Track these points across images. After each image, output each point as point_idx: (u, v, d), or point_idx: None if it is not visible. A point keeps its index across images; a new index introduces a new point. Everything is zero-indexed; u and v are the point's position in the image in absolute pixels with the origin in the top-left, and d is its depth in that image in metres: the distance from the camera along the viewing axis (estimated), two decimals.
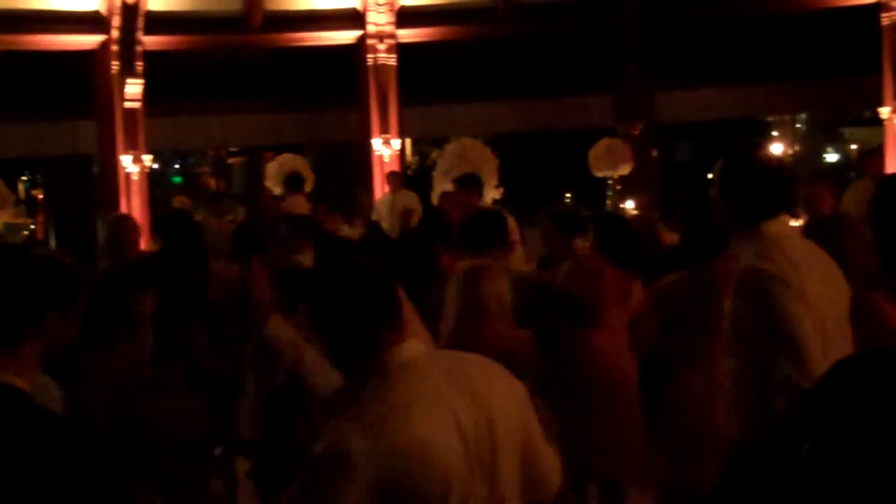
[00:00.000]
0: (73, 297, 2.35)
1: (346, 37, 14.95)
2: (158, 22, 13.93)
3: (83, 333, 4.03)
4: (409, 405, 2.32)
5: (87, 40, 13.94)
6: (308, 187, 11.86)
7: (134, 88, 13.83)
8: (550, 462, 2.57)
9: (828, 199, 7.22)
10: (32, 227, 24.28)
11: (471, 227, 5.10)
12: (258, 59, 15.14)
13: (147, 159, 14.32)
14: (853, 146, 29.50)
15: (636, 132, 14.41)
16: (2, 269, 2.19)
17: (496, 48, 15.25)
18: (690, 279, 4.64)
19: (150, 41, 13.93)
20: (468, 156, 11.11)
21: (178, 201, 11.98)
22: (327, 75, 15.12)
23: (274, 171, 12.62)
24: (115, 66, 13.80)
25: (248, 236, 5.98)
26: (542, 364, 4.36)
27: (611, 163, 13.31)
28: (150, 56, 13.91)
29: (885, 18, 13.73)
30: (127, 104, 13.85)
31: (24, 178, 26.00)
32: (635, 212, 12.54)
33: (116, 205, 13.82)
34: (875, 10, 13.83)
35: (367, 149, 14.97)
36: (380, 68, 14.85)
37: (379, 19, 14.76)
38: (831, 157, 30.16)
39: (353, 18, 14.82)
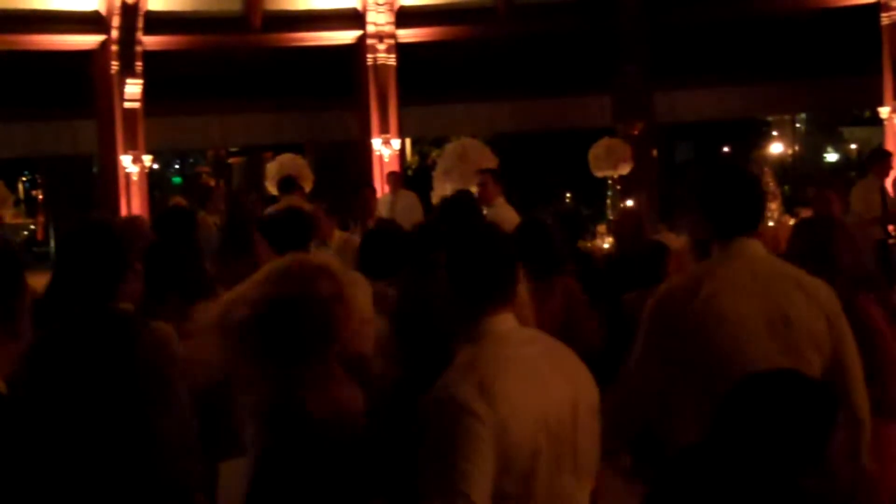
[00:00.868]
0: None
1: (345, 37, 14.95)
2: (158, 22, 13.93)
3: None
4: (511, 372, 2.50)
5: (87, 40, 13.94)
6: (308, 187, 11.84)
7: (134, 88, 13.84)
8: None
9: (836, 203, 7.18)
10: (32, 227, 24.30)
11: None
12: (258, 59, 15.14)
13: (147, 159, 14.32)
14: (853, 146, 29.50)
15: (636, 132, 14.41)
16: None
17: (496, 48, 15.26)
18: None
19: (150, 41, 13.93)
20: (468, 156, 11.09)
21: (175, 201, 11.95)
22: (327, 75, 15.13)
23: (274, 171, 12.59)
24: (114, 65, 13.81)
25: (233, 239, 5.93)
26: None
27: (610, 163, 13.29)
28: (149, 56, 13.91)
29: (885, 18, 13.74)
30: (127, 104, 13.86)
31: (23, 178, 26.01)
32: (632, 206, 12.53)
33: (116, 205, 13.82)
34: (875, 9, 13.83)
35: (367, 149, 14.98)
36: (379, 68, 14.85)
37: (379, 19, 14.77)
38: (831, 156, 30.16)
39: (353, 18, 14.83)
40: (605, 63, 15.00)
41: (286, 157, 12.72)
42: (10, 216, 14.10)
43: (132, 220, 6.68)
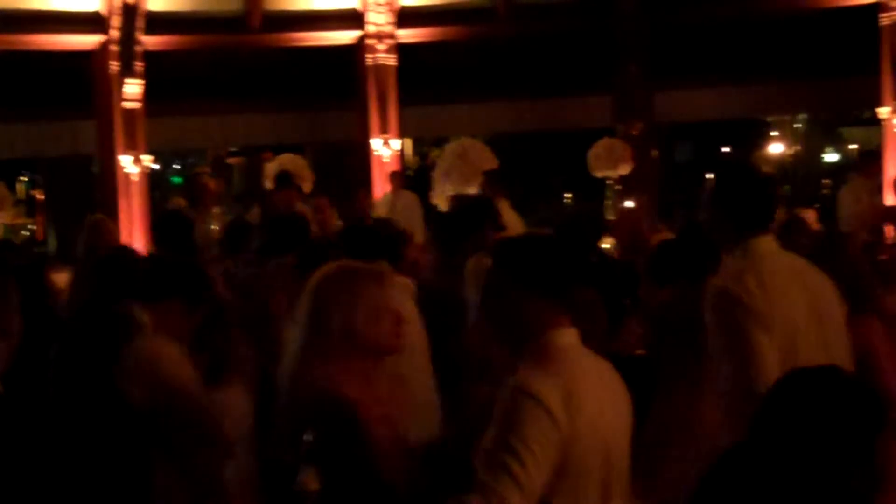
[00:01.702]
0: None
1: (345, 37, 14.95)
2: (158, 22, 13.92)
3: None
4: (580, 386, 2.51)
5: (87, 40, 13.93)
6: (308, 187, 11.84)
7: (133, 88, 13.83)
8: None
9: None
10: (32, 227, 24.27)
11: None
12: (258, 59, 15.14)
13: (147, 160, 14.31)
14: (853, 146, 29.48)
15: (636, 132, 14.40)
16: None
17: (496, 48, 15.25)
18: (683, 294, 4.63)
19: (150, 41, 13.93)
20: (468, 156, 11.09)
21: (175, 202, 11.93)
22: (327, 75, 15.12)
23: (274, 171, 12.60)
24: (114, 66, 13.80)
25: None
26: None
27: (610, 163, 13.30)
28: (149, 56, 13.90)
29: (885, 18, 13.73)
30: (126, 104, 13.85)
31: (23, 178, 25.98)
32: (630, 205, 12.54)
33: (116, 205, 13.82)
34: (875, 10, 13.82)
35: (367, 149, 14.97)
36: (379, 68, 14.84)
37: (378, 19, 14.76)
38: (831, 157, 30.13)
39: (353, 18, 14.82)
40: (605, 63, 15.00)
41: (286, 157, 12.72)
42: (10, 216, 14.09)
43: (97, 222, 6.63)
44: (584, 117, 15.64)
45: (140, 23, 13.75)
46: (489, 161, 10.81)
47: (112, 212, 13.63)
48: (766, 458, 2.30)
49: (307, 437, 2.55)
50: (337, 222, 9.66)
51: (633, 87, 14.91)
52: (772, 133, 28.49)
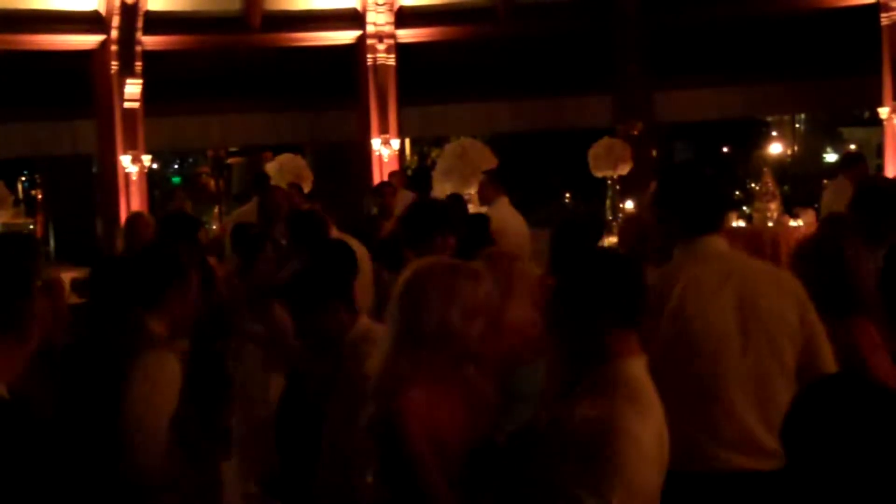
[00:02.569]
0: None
1: (345, 37, 14.94)
2: (158, 22, 13.92)
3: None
4: (658, 419, 2.49)
5: (87, 40, 13.93)
6: (308, 187, 11.84)
7: (133, 88, 13.82)
8: None
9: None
10: (31, 226, 24.25)
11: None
12: (258, 59, 15.13)
13: (146, 159, 14.31)
14: (852, 146, 29.48)
15: (636, 132, 14.39)
16: None
17: (496, 48, 15.24)
18: None
19: (150, 41, 13.92)
20: (468, 156, 11.08)
21: (179, 200, 11.91)
22: (327, 75, 15.12)
23: (274, 171, 12.59)
24: (114, 65, 13.79)
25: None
26: None
27: (610, 163, 13.28)
28: (149, 56, 13.90)
29: (885, 18, 13.72)
30: (126, 104, 13.84)
31: (23, 178, 25.97)
32: (632, 209, 12.53)
33: (116, 205, 13.81)
34: (875, 10, 13.82)
35: (367, 149, 14.97)
36: (379, 68, 14.84)
37: (378, 19, 14.75)
38: (830, 157, 30.11)
39: (353, 18, 14.82)
40: (605, 63, 14.99)
41: (286, 157, 12.71)
42: (9, 216, 14.07)
43: (134, 217, 6.76)
44: (584, 117, 15.63)
45: (140, 23, 13.75)
46: (489, 161, 10.81)
47: (112, 212, 13.65)
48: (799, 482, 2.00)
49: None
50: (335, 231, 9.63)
51: (633, 87, 14.90)
52: (772, 133, 28.50)
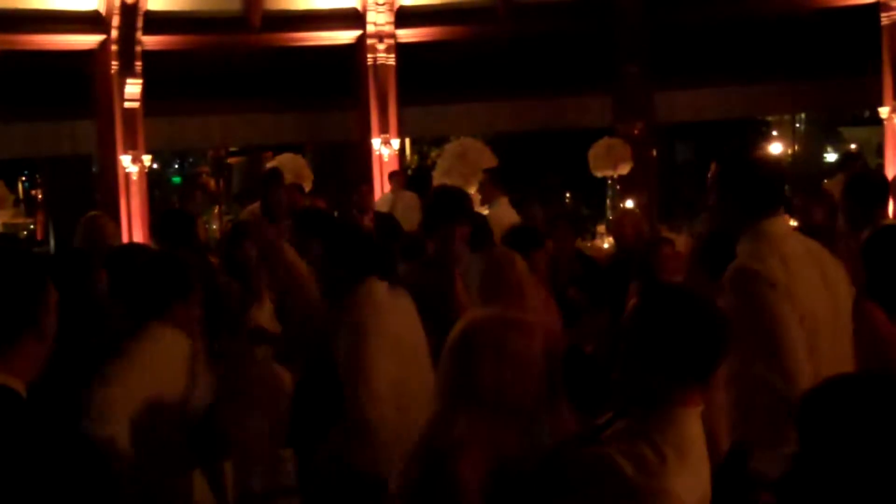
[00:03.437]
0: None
1: (345, 37, 14.94)
2: (158, 22, 13.91)
3: None
4: (704, 477, 2.39)
5: (87, 40, 13.92)
6: (308, 187, 11.84)
7: (133, 88, 13.82)
8: None
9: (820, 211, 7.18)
10: (32, 226, 24.26)
11: None
12: (258, 59, 15.12)
13: (146, 159, 14.31)
14: (853, 146, 29.48)
15: (636, 132, 14.39)
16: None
17: (496, 48, 15.23)
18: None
19: (150, 41, 13.92)
20: (468, 156, 11.09)
21: (195, 197, 11.92)
22: (327, 75, 15.11)
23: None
24: (114, 65, 13.79)
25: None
26: None
27: (610, 163, 13.29)
28: (149, 56, 13.89)
29: (885, 18, 13.72)
30: (126, 104, 13.84)
31: (23, 178, 25.99)
32: (632, 208, 12.53)
33: (116, 205, 13.81)
34: (875, 10, 13.82)
35: (367, 149, 14.97)
36: (379, 68, 14.84)
37: (378, 19, 14.75)
38: (831, 156, 30.11)
39: (353, 18, 14.81)
40: (605, 63, 14.99)
41: (286, 157, 12.71)
42: (9, 216, 14.08)
43: (93, 218, 6.65)
44: (584, 117, 15.62)
45: (139, 22, 13.75)
46: (489, 160, 10.81)
47: (112, 211, 13.63)
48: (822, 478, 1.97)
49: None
50: None
51: (633, 87, 14.89)
52: (772, 133, 28.50)
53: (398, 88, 14.91)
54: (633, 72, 14.79)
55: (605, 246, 11.30)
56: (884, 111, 13.92)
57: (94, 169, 15.89)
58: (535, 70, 15.28)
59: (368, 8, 14.69)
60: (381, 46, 14.79)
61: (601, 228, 12.89)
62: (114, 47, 13.76)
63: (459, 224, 5.01)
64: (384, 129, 14.89)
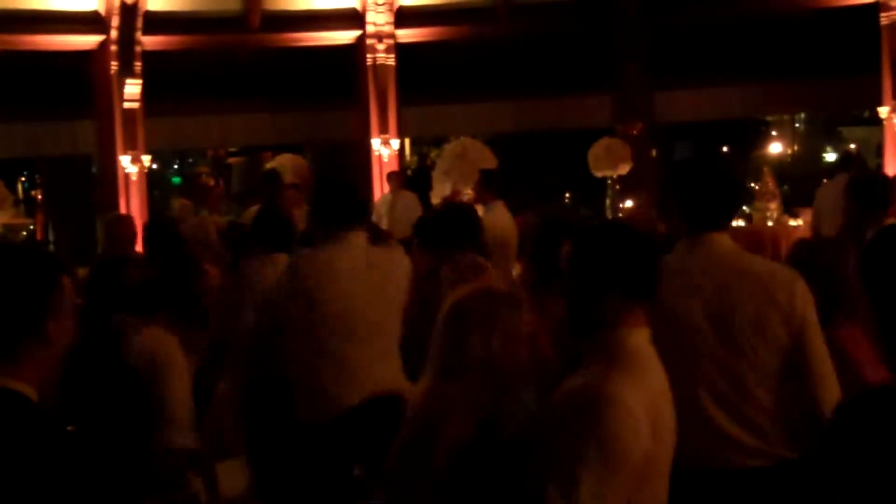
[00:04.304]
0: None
1: (345, 37, 14.94)
2: (157, 22, 13.91)
3: None
4: (655, 388, 2.47)
5: (86, 40, 13.92)
6: (308, 188, 11.80)
7: (133, 88, 13.82)
8: None
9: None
10: (31, 227, 24.24)
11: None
12: (257, 59, 15.12)
13: (146, 159, 14.31)
14: (852, 146, 29.49)
15: (636, 132, 14.40)
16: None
17: (496, 48, 15.24)
18: None
19: (149, 41, 13.92)
20: (468, 156, 11.06)
21: (181, 203, 11.90)
22: (326, 75, 15.11)
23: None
24: (114, 66, 13.79)
25: None
26: None
27: (610, 163, 13.29)
28: (148, 56, 13.90)
29: (885, 18, 13.73)
30: (126, 104, 13.84)
31: (23, 178, 25.96)
32: (633, 208, 12.53)
33: (115, 205, 13.80)
34: (874, 9, 13.83)
35: (367, 149, 14.97)
36: (379, 68, 14.84)
37: (378, 19, 14.75)
38: (830, 156, 30.12)
39: (352, 18, 14.81)
40: (605, 63, 14.99)
41: (286, 157, 12.68)
42: (9, 216, 14.06)
43: (115, 218, 6.69)
44: (584, 117, 15.63)
45: (139, 23, 13.75)
46: (489, 160, 10.78)
47: (112, 212, 13.63)
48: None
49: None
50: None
51: (633, 87, 14.90)
52: (772, 133, 28.51)
53: (398, 88, 14.91)
54: (633, 72, 14.79)
55: None
56: (883, 111, 13.93)
57: (93, 169, 15.88)
58: (535, 70, 15.28)
59: (368, 8, 14.69)
60: (380, 46, 14.79)
61: None
62: (113, 47, 13.77)
63: (466, 247, 5.09)
64: (384, 130, 14.89)
